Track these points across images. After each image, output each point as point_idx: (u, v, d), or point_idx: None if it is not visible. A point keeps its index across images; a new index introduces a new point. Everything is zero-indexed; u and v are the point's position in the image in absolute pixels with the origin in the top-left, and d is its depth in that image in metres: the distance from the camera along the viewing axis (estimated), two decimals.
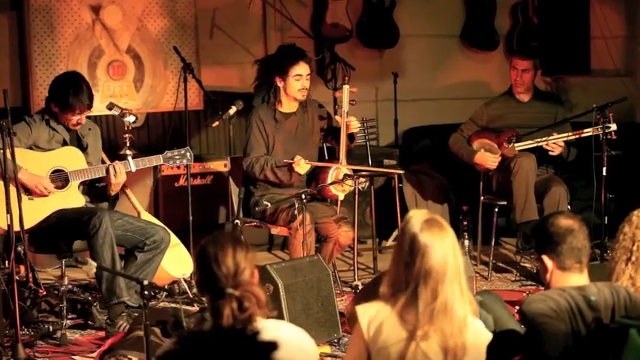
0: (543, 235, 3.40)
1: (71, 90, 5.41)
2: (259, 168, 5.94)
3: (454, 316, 3.08)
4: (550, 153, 6.42)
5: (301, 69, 5.97)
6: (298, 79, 5.97)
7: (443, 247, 3.09)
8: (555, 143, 6.39)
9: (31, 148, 5.46)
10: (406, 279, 3.08)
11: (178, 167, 6.25)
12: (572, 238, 3.35)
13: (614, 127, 6.19)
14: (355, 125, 6.08)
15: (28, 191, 5.37)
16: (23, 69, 7.20)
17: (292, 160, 5.84)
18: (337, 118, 6.13)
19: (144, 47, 7.40)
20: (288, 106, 6.09)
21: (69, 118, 5.47)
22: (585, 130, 6.32)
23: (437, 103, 8.59)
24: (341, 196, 6.05)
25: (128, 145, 6.49)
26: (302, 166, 5.85)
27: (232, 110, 6.06)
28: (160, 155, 5.66)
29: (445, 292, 3.07)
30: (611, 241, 3.63)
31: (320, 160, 6.20)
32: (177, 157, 5.68)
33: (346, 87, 6.09)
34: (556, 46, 8.55)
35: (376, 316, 3.10)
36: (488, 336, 3.20)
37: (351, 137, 6.10)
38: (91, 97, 5.48)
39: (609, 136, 6.16)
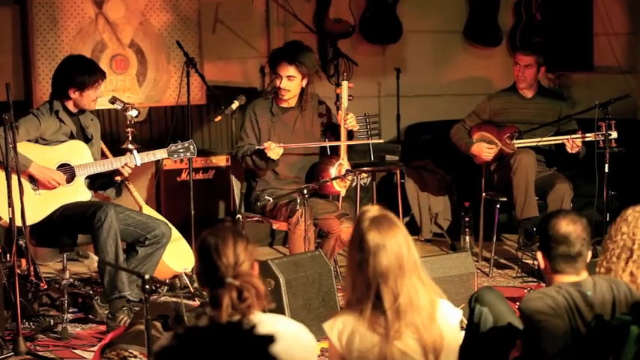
0: (543, 234, 3.41)
1: (84, 66, 5.54)
2: (241, 154, 5.96)
3: (420, 307, 3.06)
4: (569, 150, 6.35)
5: (281, 70, 5.95)
6: (279, 78, 5.97)
7: (394, 245, 3.06)
8: (573, 142, 6.33)
9: (37, 141, 5.46)
10: (365, 281, 3.06)
11: (182, 161, 6.26)
12: (567, 247, 3.34)
13: (614, 134, 6.17)
14: (352, 123, 6.04)
15: (35, 184, 5.37)
16: (26, 63, 7.19)
17: (264, 145, 5.82)
18: (338, 117, 6.10)
19: (147, 41, 7.39)
20: (286, 100, 6.09)
21: (90, 95, 5.50)
22: (587, 135, 6.30)
23: (440, 99, 8.58)
24: (343, 192, 6.06)
25: (130, 139, 6.49)
26: (274, 151, 5.81)
27: (235, 105, 6.06)
28: (165, 149, 5.67)
29: (406, 287, 3.05)
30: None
31: (322, 156, 6.18)
32: (181, 150, 5.69)
33: (345, 83, 6.07)
34: (559, 42, 8.54)
35: (344, 328, 3.09)
36: (457, 313, 3.18)
37: (350, 134, 6.09)
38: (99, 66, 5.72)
39: (611, 145, 6.13)
